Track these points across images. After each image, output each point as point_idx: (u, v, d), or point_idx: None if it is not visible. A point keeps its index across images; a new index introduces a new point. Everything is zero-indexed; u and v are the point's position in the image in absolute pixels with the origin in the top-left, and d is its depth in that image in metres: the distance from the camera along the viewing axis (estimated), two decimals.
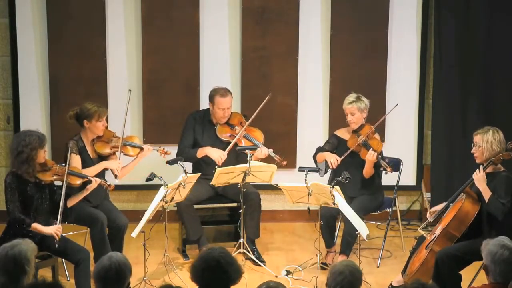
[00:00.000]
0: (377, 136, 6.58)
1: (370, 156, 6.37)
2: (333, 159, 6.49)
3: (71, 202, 5.88)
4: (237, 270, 4.08)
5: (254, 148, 6.54)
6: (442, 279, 5.46)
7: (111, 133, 6.34)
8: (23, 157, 5.56)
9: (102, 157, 6.31)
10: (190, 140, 6.78)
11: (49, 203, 5.73)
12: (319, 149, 6.70)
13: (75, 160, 6.05)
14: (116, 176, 6.23)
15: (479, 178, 5.60)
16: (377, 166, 6.49)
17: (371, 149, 6.39)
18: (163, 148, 6.48)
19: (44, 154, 5.67)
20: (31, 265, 4.20)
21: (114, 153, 6.32)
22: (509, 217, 5.62)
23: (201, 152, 6.68)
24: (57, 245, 5.62)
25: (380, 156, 6.41)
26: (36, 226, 5.58)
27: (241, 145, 6.67)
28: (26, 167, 5.57)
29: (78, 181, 5.85)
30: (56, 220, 5.70)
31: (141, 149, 6.37)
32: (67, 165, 5.78)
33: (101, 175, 6.26)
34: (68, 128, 6.97)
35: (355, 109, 6.50)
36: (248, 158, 6.33)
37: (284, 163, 6.67)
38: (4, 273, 4.13)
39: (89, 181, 5.88)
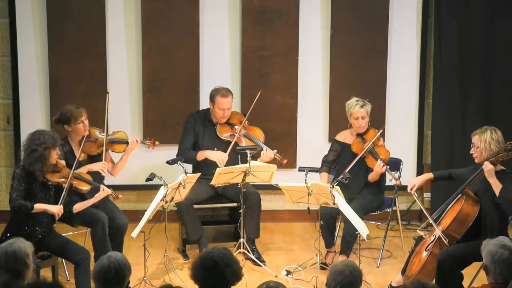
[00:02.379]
0: (381, 142, 6.57)
1: (379, 168, 6.35)
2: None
3: (77, 208, 5.88)
4: (235, 272, 4.07)
5: (254, 148, 6.54)
6: (444, 280, 5.46)
7: (95, 131, 6.33)
8: (36, 155, 5.56)
9: (91, 157, 6.31)
10: (190, 141, 6.78)
11: (52, 204, 5.72)
12: (324, 162, 6.66)
13: None
14: (103, 177, 6.23)
15: (490, 170, 5.55)
16: (383, 174, 6.50)
17: (380, 159, 6.37)
18: (152, 139, 6.47)
19: (57, 156, 5.67)
20: (31, 259, 4.22)
21: (102, 152, 6.32)
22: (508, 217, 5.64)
23: (201, 155, 6.69)
24: (56, 221, 5.70)
25: (388, 167, 6.39)
26: (39, 205, 5.58)
27: (242, 144, 6.67)
28: (40, 166, 5.57)
29: (85, 187, 5.86)
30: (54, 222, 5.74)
31: (127, 143, 6.37)
32: (72, 169, 5.78)
33: (99, 178, 6.25)
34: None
35: (365, 112, 6.48)
36: (248, 158, 6.33)
37: (285, 161, 6.67)
38: (7, 270, 4.14)
39: (98, 189, 5.90)
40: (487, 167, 5.55)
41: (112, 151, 6.39)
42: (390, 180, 6.46)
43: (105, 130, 6.29)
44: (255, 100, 6.73)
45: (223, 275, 4.02)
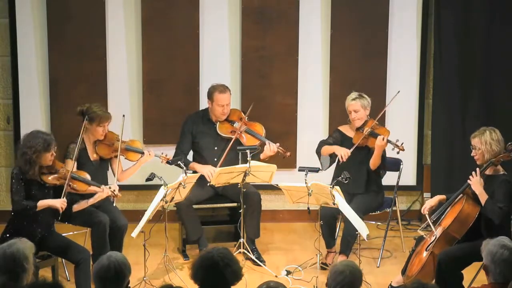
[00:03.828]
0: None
1: (379, 141, 6.35)
2: (344, 152, 6.43)
3: (76, 208, 5.89)
4: (235, 272, 4.07)
5: (255, 148, 6.53)
6: (444, 280, 5.46)
7: (114, 136, 6.32)
8: (25, 158, 5.57)
9: (103, 160, 6.31)
10: (187, 145, 6.78)
11: (50, 208, 5.71)
12: (323, 142, 6.69)
13: (69, 166, 6.04)
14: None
15: (475, 182, 5.58)
16: (384, 158, 6.49)
17: (379, 135, 6.38)
18: (166, 155, 6.44)
19: (52, 157, 5.66)
20: (30, 263, 4.20)
21: (115, 157, 6.31)
22: (509, 218, 5.63)
23: (191, 167, 6.68)
24: (59, 218, 5.70)
25: (389, 139, 6.39)
26: (42, 202, 5.59)
27: (243, 140, 6.67)
28: (28, 168, 5.58)
29: (83, 188, 5.85)
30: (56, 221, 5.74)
31: (142, 154, 6.36)
32: (70, 170, 5.77)
33: (104, 179, 6.26)
34: (68, 128, 6.99)
35: (359, 106, 6.50)
36: (248, 158, 6.33)
37: (288, 154, 6.66)
38: (4, 272, 4.13)
39: (97, 187, 5.89)
40: (472, 180, 5.59)
41: (126, 159, 6.37)
42: (393, 149, 6.43)
43: (118, 153, 6.25)
44: (248, 112, 6.72)
45: (223, 275, 4.02)
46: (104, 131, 6.22)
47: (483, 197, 5.54)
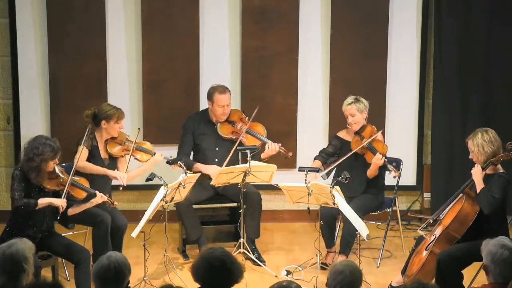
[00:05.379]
0: (380, 137, 6.56)
1: (377, 160, 6.37)
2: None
3: (72, 211, 5.89)
4: (239, 269, 4.09)
5: (255, 148, 6.53)
6: (444, 280, 5.46)
7: (123, 135, 6.35)
8: (32, 164, 5.57)
9: (112, 158, 6.32)
10: (189, 146, 6.78)
11: (50, 208, 5.71)
12: (322, 152, 6.69)
13: (83, 154, 6.08)
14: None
15: (476, 171, 5.61)
16: (382, 168, 6.49)
17: (378, 153, 6.38)
18: (179, 163, 6.40)
19: (54, 164, 5.67)
20: (30, 263, 4.18)
21: (124, 156, 6.31)
22: (505, 216, 5.65)
23: (195, 168, 6.66)
24: (58, 217, 5.73)
25: (386, 160, 6.40)
26: (42, 200, 5.59)
27: (244, 140, 6.67)
28: (34, 175, 5.58)
29: (82, 194, 5.86)
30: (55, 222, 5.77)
31: (153, 155, 6.35)
32: (70, 176, 5.77)
33: (107, 185, 6.25)
34: (68, 127, 6.99)
35: (355, 109, 6.50)
36: (248, 158, 6.33)
37: (290, 154, 6.67)
38: (3, 272, 4.12)
39: (94, 195, 5.90)
40: (475, 169, 5.61)
41: (135, 159, 6.38)
42: (389, 173, 6.47)
43: (131, 151, 6.28)
44: (252, 116, 6.70)
45: (231, 272, 4.03)
46: (120, 127, 6.26)
47: (480, 185, 5.56)
